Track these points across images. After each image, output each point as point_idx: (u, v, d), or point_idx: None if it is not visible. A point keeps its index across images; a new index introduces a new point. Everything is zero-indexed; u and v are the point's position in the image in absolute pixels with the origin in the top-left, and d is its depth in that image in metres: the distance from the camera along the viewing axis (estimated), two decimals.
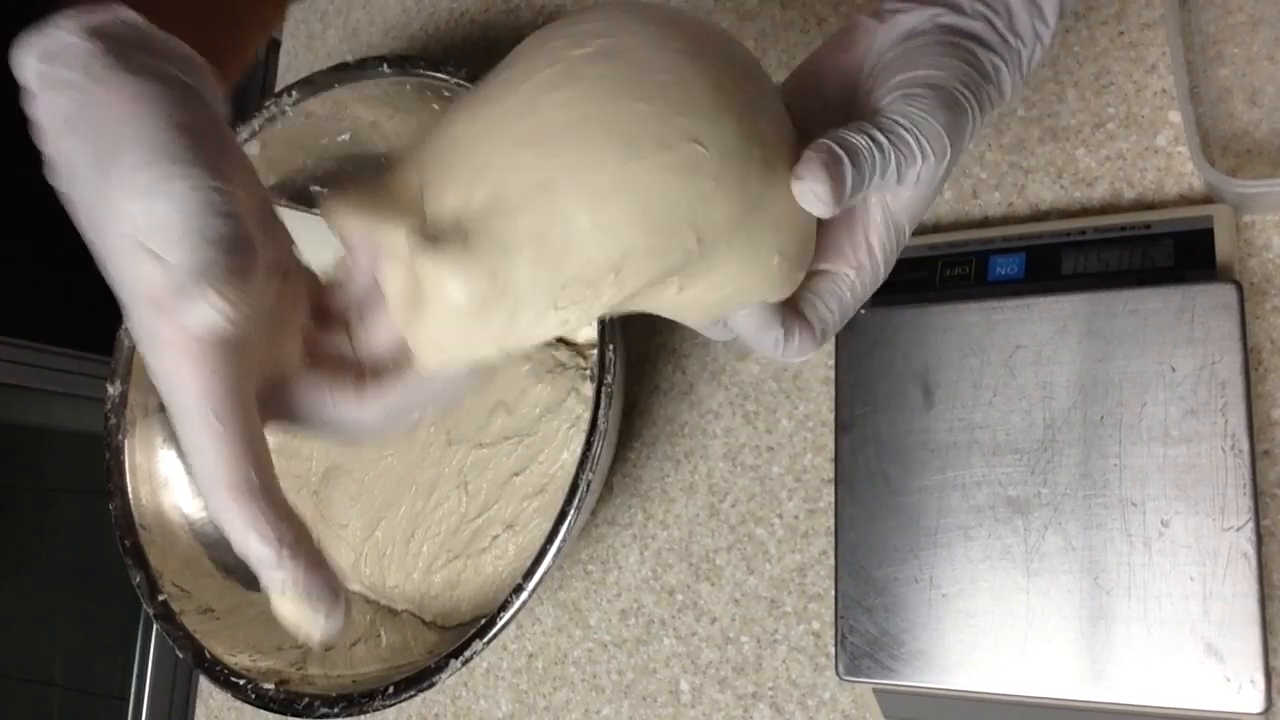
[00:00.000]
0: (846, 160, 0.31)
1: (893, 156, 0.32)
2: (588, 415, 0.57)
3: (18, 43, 0.28)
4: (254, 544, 0.27)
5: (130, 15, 0.29)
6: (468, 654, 0.51)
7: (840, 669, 0.49)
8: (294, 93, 0.64)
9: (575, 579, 0.63)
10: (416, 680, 0.52)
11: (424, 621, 0.63)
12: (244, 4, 0.42)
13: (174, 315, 0.26)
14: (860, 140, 0.32)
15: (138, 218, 0.26)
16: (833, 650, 0.51)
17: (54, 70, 0.28)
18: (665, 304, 0.34)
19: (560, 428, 0.61)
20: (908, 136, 0.33)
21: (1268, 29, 0.50)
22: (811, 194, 0.31)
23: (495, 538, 0.61)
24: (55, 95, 0.28)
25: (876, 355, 0.52)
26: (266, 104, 0.65)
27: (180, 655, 0.59)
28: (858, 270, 0.36)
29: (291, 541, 0.27)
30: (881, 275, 0.36)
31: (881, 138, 0.32)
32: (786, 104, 0.35)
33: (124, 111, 0.27)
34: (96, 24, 0.28)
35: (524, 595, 0.50)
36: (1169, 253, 0.48)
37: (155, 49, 0.29)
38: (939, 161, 0.33)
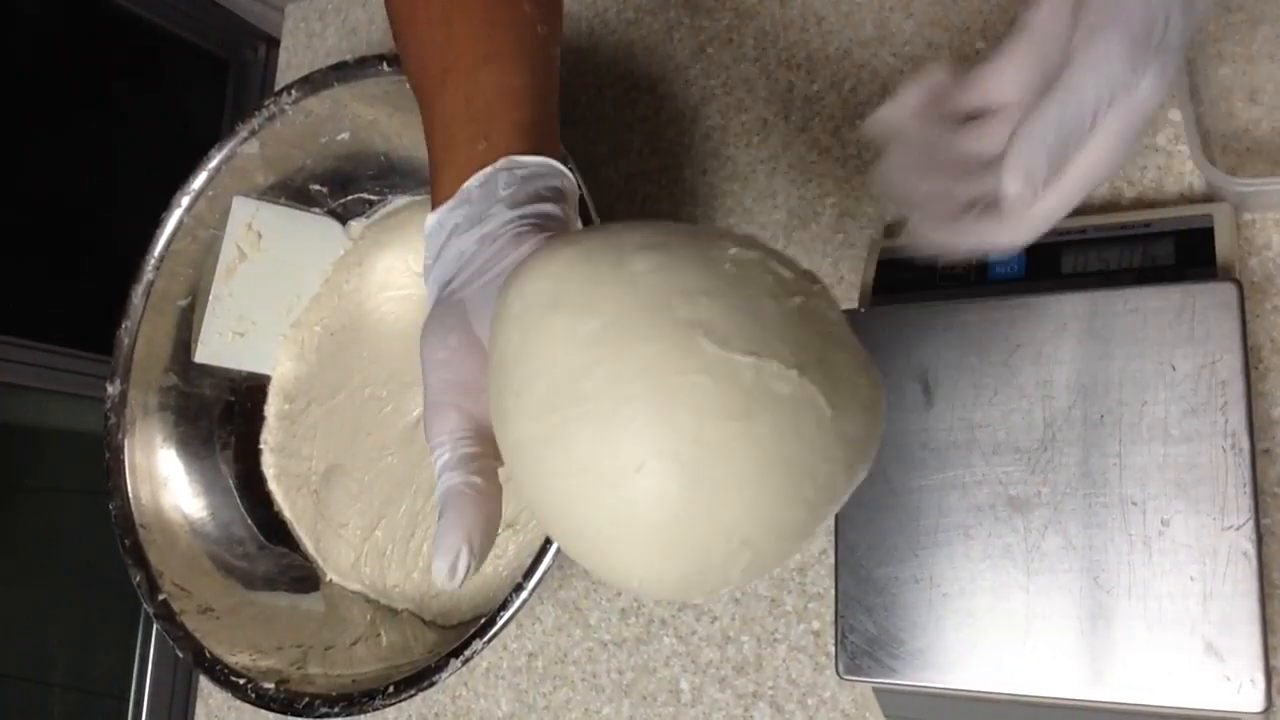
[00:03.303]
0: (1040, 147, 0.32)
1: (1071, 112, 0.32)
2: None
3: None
4: None
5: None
6: (468, 653, 0.51)
7: (840, 668, 0.49)
8: (293, 92, 0.64)
9: (575, 578, 0.63)
10: (417, 679, 0.52)
11: (424, 620, 0.63)
12: None
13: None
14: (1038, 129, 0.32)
15: None
16: (833, 649, 0.51)
17: None
18: None
19: None
20: (1077, 92, 0.32)
21: (1268, 27, 0.50)
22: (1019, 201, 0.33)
23: None
24: None
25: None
26: (266, 103, 0.65)
27: (180, 655, 0.59)
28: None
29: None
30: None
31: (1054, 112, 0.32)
32: None
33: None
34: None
35: (524, 594, 0.50)
36: (1169, 251, 0.48)
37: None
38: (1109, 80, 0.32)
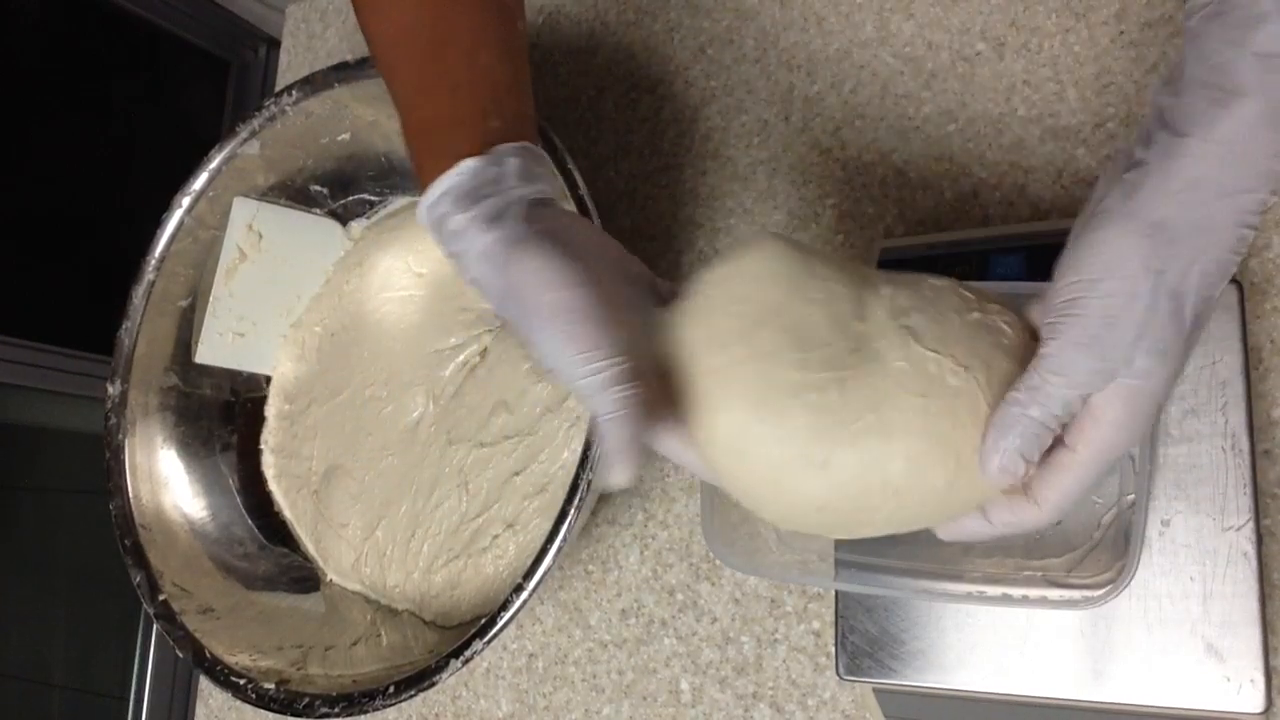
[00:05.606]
0: (1011, 444, 0.34)
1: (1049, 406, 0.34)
2: (588, 415, 0.57)
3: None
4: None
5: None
6: (468, 654, 0.51)
7: (840, 668, 0.49)
8: (294, 92, 0.64)
9: (576, 579, 0.63)
10: (417, 680, 0.52)
11: (424, 621, 0.63)
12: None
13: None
14: (1013, 413, 0.34)
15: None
16: (833, 650, 0.51)
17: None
18: None
19: (561, 427, 0.61)
20: (1050, 390, 0.34)
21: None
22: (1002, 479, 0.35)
23: (496, 537, 0.61)
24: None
25: None
26: (267, 104, 0.65)
27: (180, 655, 0.59)
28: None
29: None
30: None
31: (1029, 397, 0.34)
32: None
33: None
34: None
35: (524, 595, 0.50)
36: None
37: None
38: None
